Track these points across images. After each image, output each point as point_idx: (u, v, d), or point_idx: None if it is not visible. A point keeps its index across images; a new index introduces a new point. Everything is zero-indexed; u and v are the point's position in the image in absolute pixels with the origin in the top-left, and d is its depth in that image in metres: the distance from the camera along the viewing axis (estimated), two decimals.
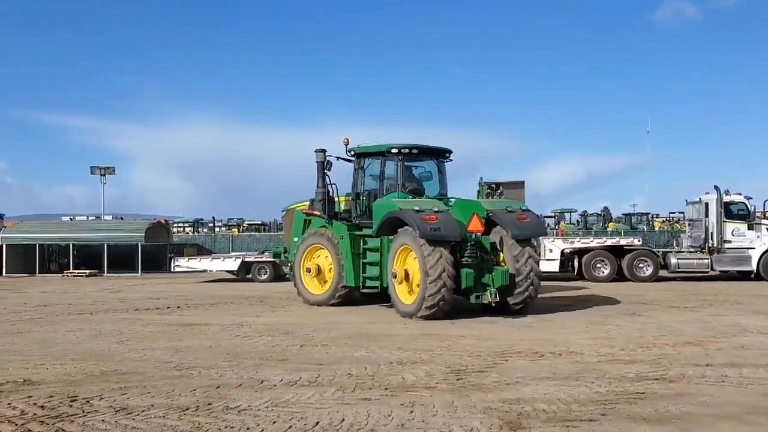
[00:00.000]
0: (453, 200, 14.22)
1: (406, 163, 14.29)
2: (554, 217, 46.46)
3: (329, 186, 14.86)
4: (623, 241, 22.53)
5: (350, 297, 14.67)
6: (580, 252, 21.97)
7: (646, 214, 46.53)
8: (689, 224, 23.90)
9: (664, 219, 47.97)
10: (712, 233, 21.50)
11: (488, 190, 23.25)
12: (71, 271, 28.73)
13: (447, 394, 6.36)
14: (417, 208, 12.52)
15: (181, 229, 51.92)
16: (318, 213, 14.94)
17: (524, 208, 13.97)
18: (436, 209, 12.51)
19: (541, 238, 24.70)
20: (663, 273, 22.08)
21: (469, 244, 12.54)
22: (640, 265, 21.50)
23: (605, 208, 48.80)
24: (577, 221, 46.09)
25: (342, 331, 10.84)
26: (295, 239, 15.83)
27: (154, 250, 30.94)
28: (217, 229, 52.64)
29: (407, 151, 14.14)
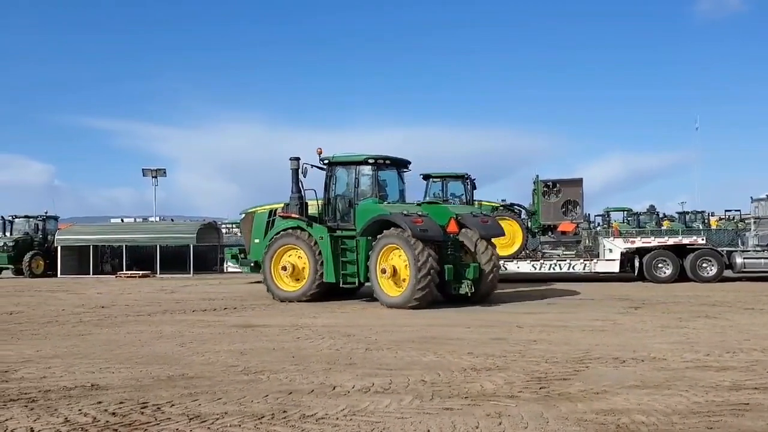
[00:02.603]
0: (419, 205, 15.77)
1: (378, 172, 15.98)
2: (602, 216, 45.29)
3: (304, 191, 16.14)
4: (686, 240, 21.76)
5: (322, 293, 15.85)
6: (641, 252, 21.26)
7: (702, 212, 45.11)
8: (755, 222, 22.95)
9: (721, 217, 46.40)
10: None
11: (545, 188, 22.84)
12: (124, 272, 29.08)
13: (533, 404, 5.98)
14: (405, 212, 14.41)
15: (228, 229, 52.35)
16: (296, 216, 16.00)
17: (484, 212, 17.11)
18: (419, 213, 14.47)
19: (600, 237, 24.13)
20: (727, 273, 21.25)
21: (448, 243, 14.57)
22: (704, 264, 20.73)
23: (651, 206, 47.46)
24: (627, 221, 44.88)
25: (404, 334, 10.52)
26: (256, 241, 17.22)
27: (204, 251, 31.16)
28: None
29: (381, 161, 15.91)
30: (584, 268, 21.84)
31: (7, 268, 30.71)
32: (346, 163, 15.99)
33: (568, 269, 21.90)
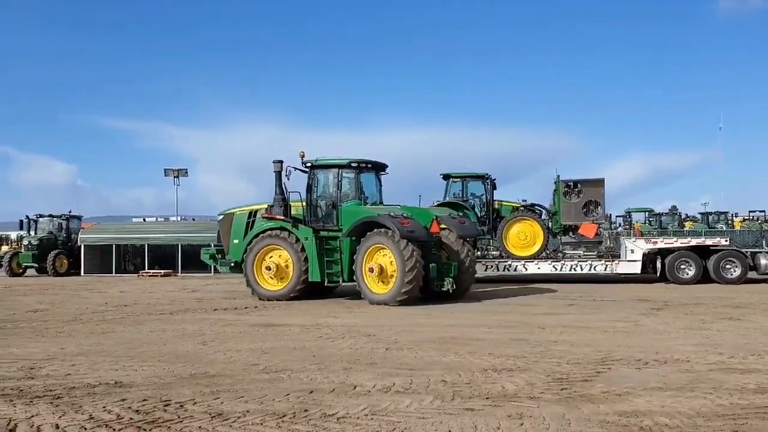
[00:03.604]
0: (400, 208, 16.22)
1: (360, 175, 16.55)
2: (624, 216, 44.86)
3: (288, 193, 16.48)
4: (709, 241, 21.44)
5: (306, 292, 16.33)
6: (663, 252, 21.04)
7: (725, 212, 44.58)
8: None
9: (745, 218, 45.80)
10: None
11: (565, 188, 22.68)
12: (146, 271, 29.33)
13: (555, 406, 5.95)
14: (392, 214, 15.17)
15: None
16: (281, 217, 16.37)
17: (460, 213, 18.31)
18: (405, 215, 15.24)
19: (621, 238, 23.93)
20: (751, 275, 20.95)
21: (431, 243, 15.49)
22: (727, 266, 20.41)
23: (673, 206, 46.94)
24: (649, 221, 44.41)
25: (424, 334, 10.51)
26: (236, 241, 17.45)
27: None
28: None
29: (364, 165, 16.57)
30: (605, 269, 21.66)
31: (32, 267, 31.08)
32: (329, 166, 16.52)
33: (589, 270, 21.73)
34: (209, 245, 20.74)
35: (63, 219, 32.65)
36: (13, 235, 49.59)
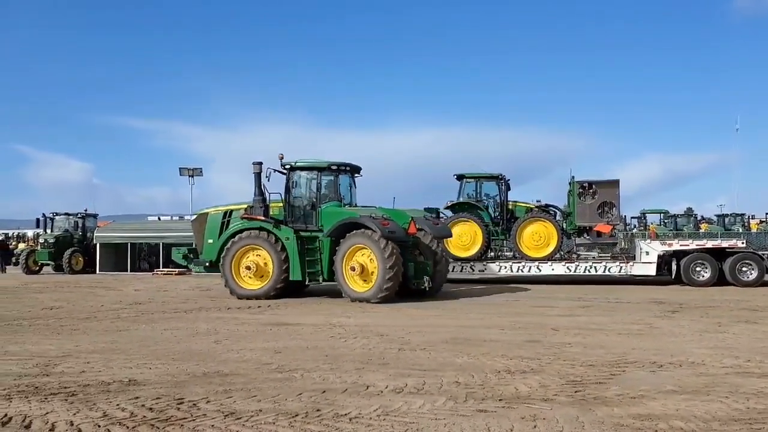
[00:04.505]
0: (376, 209, 16.79)
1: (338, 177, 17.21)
2: (639, 218, 44.51)
3: (268, 194, 16.91)
4: (725, 243, 21.25)
5: (285, 291, 16.77)
6: (678, 254, 20.88)
7: (741, 214, 44.14)
8: None
9: (762, 220, 45.31)
10: None
11: (580, 189, 22.56)
12: (161, 269, 29.49)
13: (569, 408, 5.91)
14: (372, 215, 15.81)
15: None
16: (261, 218, 16.73)
17: (434, 215, 20.17)
18: (384, 216, 15.89)
19: (636, 239, 23.77)
20: None
21: (409, 243, 16.26)
22: (744, 268, 20.24)
23: (689, 208, 46.53)
24: (664, 223, 44.02)
25: (437, 335, 10.48)
26: (210, 241, 17.72)
27: None
28: None
29: (342, 167, 17.20)
30: (620, 271, 21.53)
31: (48, 264, 31.38)
32: (309, 169, 17.06)
33: (604, 271, 21.61)
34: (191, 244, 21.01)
35: (79, 217, 32.95)
36: (30, 233, 50.07)
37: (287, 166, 16.88)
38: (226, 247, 16.87)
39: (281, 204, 16.93)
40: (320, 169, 16.99)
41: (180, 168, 40.55)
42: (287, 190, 16.91)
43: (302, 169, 17.06)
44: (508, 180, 23.66)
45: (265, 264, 16.64)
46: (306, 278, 16.60)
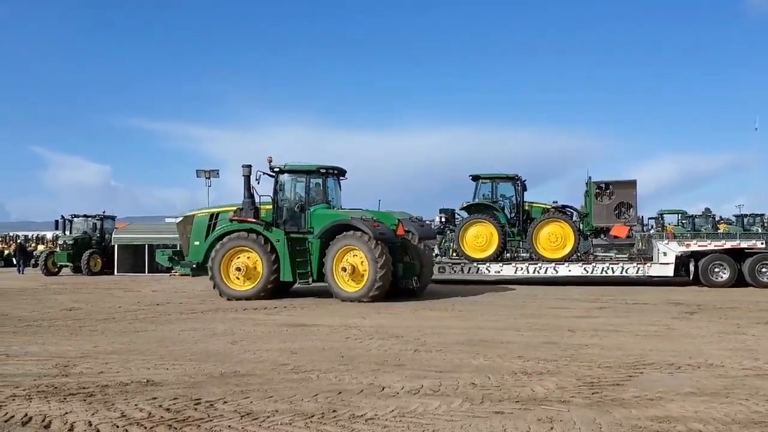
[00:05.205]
0: (363, 211, 17.18)
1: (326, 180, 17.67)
2: (656, 218, 44.06)
3: (260, 197, 17.22)
4: (744, 244, 21.01)
5: (274, 291, 17.02)
6: (696, 255, 20.69)
7: (761, 215, 43.61)
8: None
9: None
10: None
11: (597, 190, 22.43)
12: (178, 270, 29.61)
13: (586, 410, 5.88)
14: (363, 217, 16.28)
15: None
16: (252, 220, 16.97)
17: (419, 217, 19.95)
18: (374, 219, 16.37)
19: (654, 241, 23.58)
20: None
21: (398, 244, 16.67)
22: (763, 269, 19.99)
23: (707, 209, 46.00)
24: (682, 223, 43.56)
25: (453, 336, 10.46)
26: (196, 243, 17.83)
27: None
28: None
29: (331, 171, 17.66)
30: (637, 272, 21.38)
31: (67, 266, 31.66)
32: (298, 172, 17.44)
33: (621, 273, 21.46)
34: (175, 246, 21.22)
35: (97, 219, 33.23)
36: (49, 234, 50.57)
37: (276, 169, 17.21)
38: (214, 249, 17.04)
39: (269, 206, 17.24)
40: (309, 172, 17.41)
41: (197, 170, 40.56)
42: (276, 192, 17.28)
43: (291, 172, 17.46)
44: (524, 180, 23.55)
45: (255, 265, 16.88)
46: (296, 279, 16.91)
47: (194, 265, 17.96)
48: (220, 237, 17.16)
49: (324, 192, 17.60)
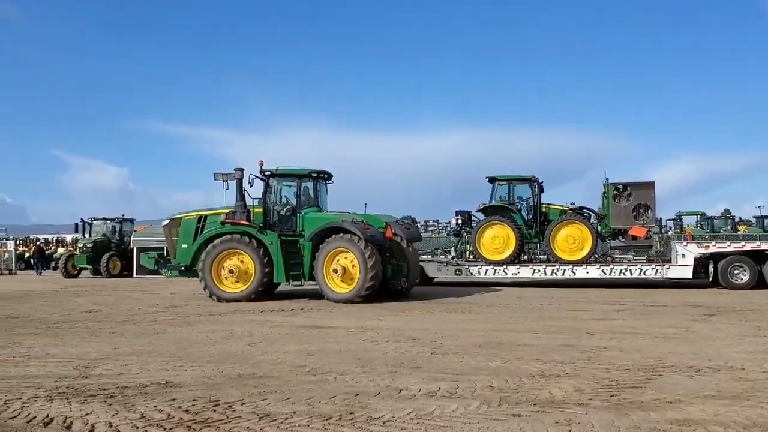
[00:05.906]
0: (351, 214, 17.70)
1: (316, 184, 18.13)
2: (675, 220, 43.65)
3: (253, 200, 17.60)
4: (764, 245, 20.72)
5: (266, 293, 17.34)
6: (716, 257, 20.49)
7: None
8: None
9: None
10: None
11: (615, 191, 22.29)
12: None
13: (604, 413, 5.85)
14: (353, 220, 16.76)
15: None
16: (245, 222, 17.23)
17: (410, 217, 21.00)
18: (363, 222, 16.86)
19: (672, 242, 23.39)
20: None
21: (387, 246, 17.14)
22: None
23: (726, 210, 45.49)
24: (701, 225, 43.12)
25: (470, 339, 10.45)
26: (184, 246, 18.00)
27: None
28: None
29: (321, 175, 18.24)
30: (656, 274, 21.20)
31: (86, 269, 31.97)
32: (290, 175, 17.98)
33: (639, 274, 21.29)
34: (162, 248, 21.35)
35: (116, 222, 33.51)
36: (69, 237, 51.05)
37: (267, 173, 17.57)
38: (205, 251, 17.18)
39: (260, 209, 17.55)
40: (300, 176, 17.92)
41: (214, 173, 40.66)
42: (265, 195, 17.65)
43: (282, 175, 17.91)
44: (541, 182, 23.46)
45: (246, 267, 17.10)
46: (289, 280, 17.30)
47: (182, 268, 18.06)
48: (211, 239, 17.35)
49: (314, 195, 18.11)
